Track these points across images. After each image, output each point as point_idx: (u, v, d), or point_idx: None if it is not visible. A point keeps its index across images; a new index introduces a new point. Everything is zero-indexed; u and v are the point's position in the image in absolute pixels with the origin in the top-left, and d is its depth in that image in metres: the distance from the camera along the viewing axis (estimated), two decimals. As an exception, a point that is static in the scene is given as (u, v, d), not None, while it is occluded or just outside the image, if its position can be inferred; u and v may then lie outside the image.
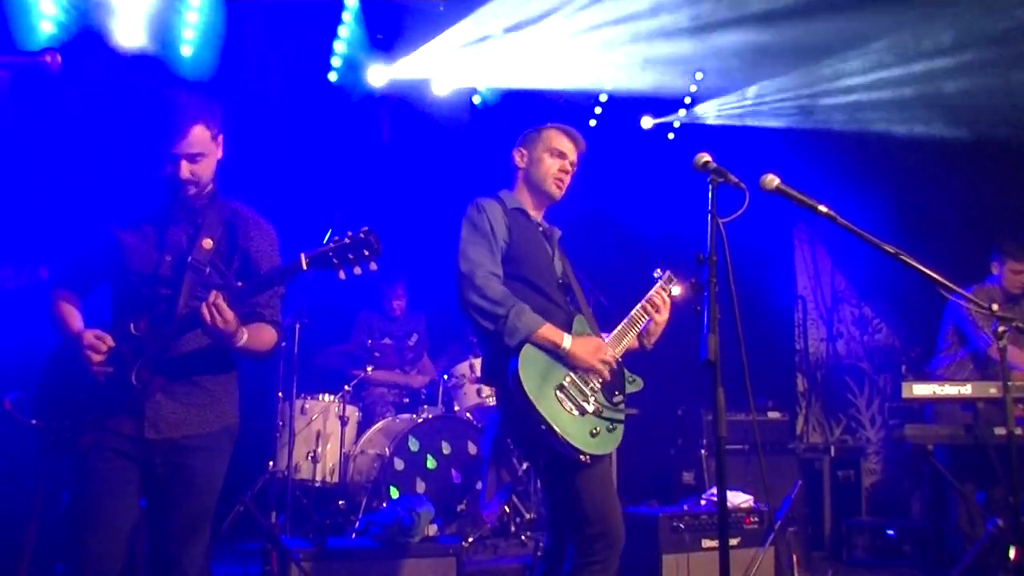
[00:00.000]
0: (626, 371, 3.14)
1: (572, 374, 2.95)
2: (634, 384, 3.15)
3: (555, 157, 3.23)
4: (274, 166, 5.91)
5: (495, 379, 3.06)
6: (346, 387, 5.74)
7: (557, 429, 2.80)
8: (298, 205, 5.91)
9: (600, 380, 2.99)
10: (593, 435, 2.88)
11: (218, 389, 2.74)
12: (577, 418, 2.87)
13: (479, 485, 5.40)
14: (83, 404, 2.60)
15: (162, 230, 2.72)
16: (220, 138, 2.73)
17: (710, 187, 2.53)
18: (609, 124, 7.39)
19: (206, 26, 5.67)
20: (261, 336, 2.72)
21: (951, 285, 2.89)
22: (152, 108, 2.64)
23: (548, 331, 2.93)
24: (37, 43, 4.87)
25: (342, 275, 2.55)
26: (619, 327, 3.20)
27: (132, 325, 2.59)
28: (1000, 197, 6.24)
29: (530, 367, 2.87)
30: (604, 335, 3.19)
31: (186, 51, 5.69)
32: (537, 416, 2.80)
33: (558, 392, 2.88)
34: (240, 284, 2.61)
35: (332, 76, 6.36)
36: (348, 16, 6.19)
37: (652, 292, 3.22)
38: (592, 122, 7.35)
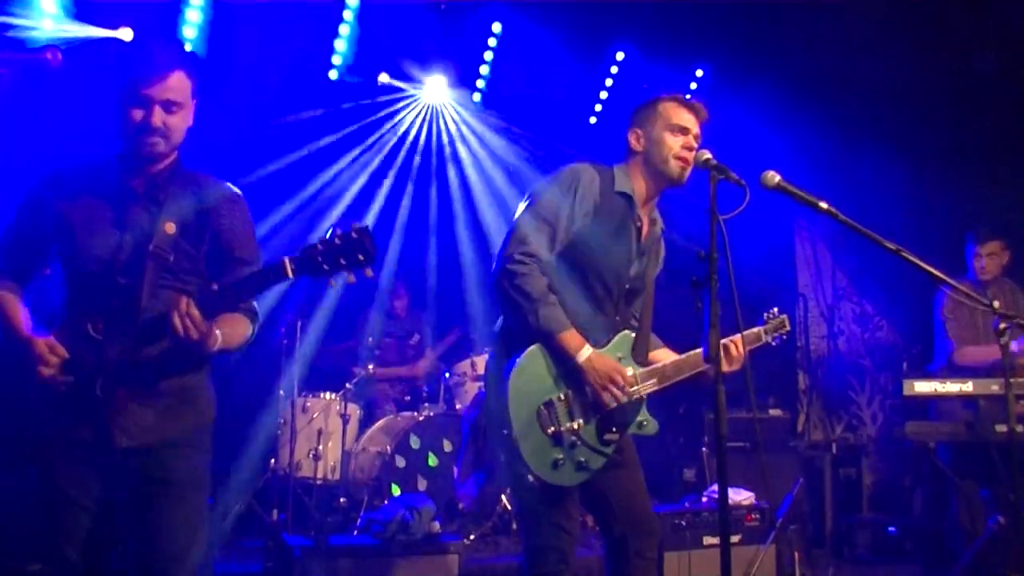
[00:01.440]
0: (644, 411, 2.86)
1: (571, 393, 2.71)
2: (645, 428, 2.84)
3: (677, 134, 2.88)
4: (273, 162, 5.91)
5: (490, 360, 2.86)
6: (347, 385, 5.75)
7: (519, 443, 2.59)
8: (297, 203, 5.93)
9: (603, 409, 2.74)
10: (556, 465, 2.65)
11: (192, 389, 2.50)
12: (546, 441, 2.65)
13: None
14: (41, 415, 2.34)
15: (120, 207, 2.41)
16: (195, 102, 2.43)
17: (710, 184, 2.52)
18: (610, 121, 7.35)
19: (206, 24, 5.66)
20: (235, 333, 2.45)
21: (952, 282, 2.89)
22: (128, 52, 2.34)
23: (569, 337, 2.69)
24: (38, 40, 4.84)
25: (334, 284, 2.24)
26: (664, 365, 2.93)
27: (91, 326, 2.32)
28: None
29: (528, 372, 2.67)
30: (664, 350, 3.02)
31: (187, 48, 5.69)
32: (507, 420, 2.60)
33: (542, 408, 2.66)
34: (215, 287, 2.30)
35: (332, 74, 6.35)
36: (349, 15, 6.19)
37: (735, 338, 2.87)
38: (592, 120, 7.29)
